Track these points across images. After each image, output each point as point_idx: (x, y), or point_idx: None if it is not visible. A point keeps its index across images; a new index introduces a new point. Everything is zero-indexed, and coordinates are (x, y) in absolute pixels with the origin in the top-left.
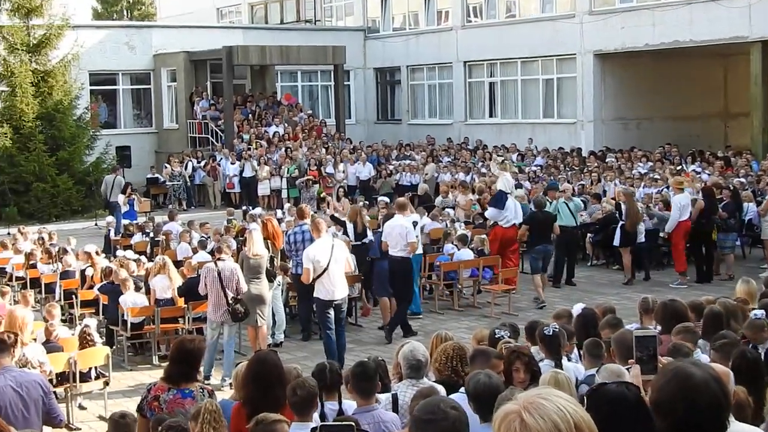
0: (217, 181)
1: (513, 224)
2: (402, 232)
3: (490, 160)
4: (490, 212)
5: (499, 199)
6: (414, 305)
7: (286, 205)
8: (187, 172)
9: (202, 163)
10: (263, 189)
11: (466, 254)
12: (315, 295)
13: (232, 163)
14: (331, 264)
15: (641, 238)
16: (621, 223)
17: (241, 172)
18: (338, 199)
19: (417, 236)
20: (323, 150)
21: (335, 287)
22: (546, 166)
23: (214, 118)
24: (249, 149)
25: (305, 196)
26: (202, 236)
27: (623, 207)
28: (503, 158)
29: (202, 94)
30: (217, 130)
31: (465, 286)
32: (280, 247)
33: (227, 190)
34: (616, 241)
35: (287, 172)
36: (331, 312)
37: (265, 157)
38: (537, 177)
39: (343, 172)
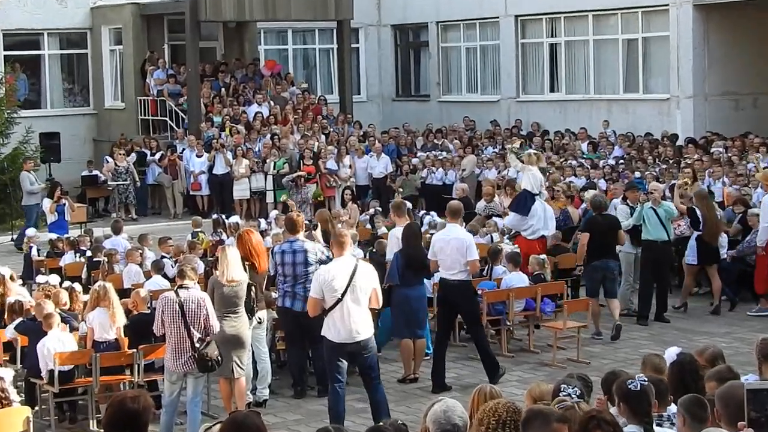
0: (178, 181)
1: (541, 236)
2: (460, 246)
3: (505, 146)
4: (510, 219)
5: (522, 202)
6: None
7: (273, 213)
8: (137, 167)
9: (158, 156)
10: (241, 191)
11: (519, 279)
12: (323, 333)
13: (199, 156)
14: (349, 293)
15: (723, 252)
16: (697, 234)
17: (211, 167)
18: (343, 203)
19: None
20: (322, 137)
21: (354, 325)
22: (627, 159)
23: (174, 94)
24: (221, 137)
25: (296, 199)
26: (160, 256)
27: (698, 213)
28: (521, 145)
29: (158, 62)
30: (179, 111)
31: (517, 323)
32: (263, 271)
33: (192, 193)
34: (692, 258)
35: (273, 168)
36: (344, 360)
37: (243, 147)
38: (617, 173)
39: (350, 167)
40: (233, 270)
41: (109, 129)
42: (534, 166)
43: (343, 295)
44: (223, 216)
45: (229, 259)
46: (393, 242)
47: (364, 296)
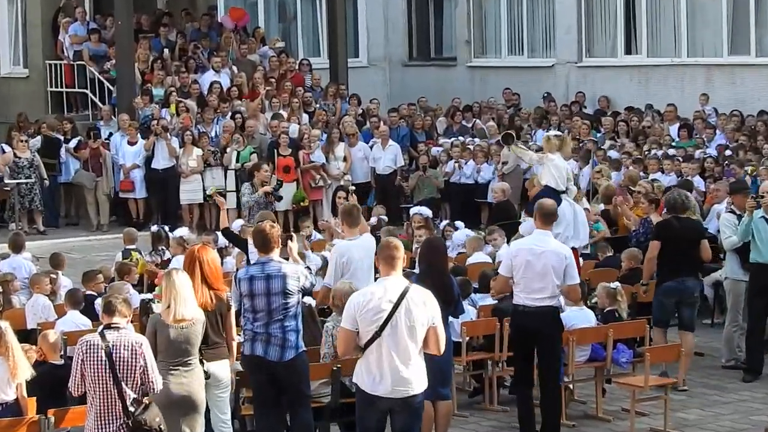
0: (103, 179)
1: (572, 248)
2: (558, 264)
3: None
4: (528, 227)
5: None
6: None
7: (236, 223)
8: (45, 160)
9: (74, 144)
10: (191, 192)
11: (582, 317)
12: (355, 380)
13: (132, 143)
14: (391, 327)
15: None
16: None
17: (149, 160)
18: (335, 210)
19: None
20: (305, 118)
21: (397, 372)
22: (734, 148)
23: (97, 56)
24: (164, 116)
25: (255, 202)
26: (84, 291)
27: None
28: (508, 137)
29: (75, 12)
30: (104, 81)
31: (580, 379)
32: (215, 305)
33: (122, 195)
34: None
35: (237, 161)
36: (381, 420)
37: (194, 131)
38: (719, 167)
39: (345, 159)
40: (184, 304)
41: (6, 106)
42: (556, 154)
43: (382, 328)
44: (166, 228)
45: (177, 288)
46: (336, 263)
47: (416, 333)
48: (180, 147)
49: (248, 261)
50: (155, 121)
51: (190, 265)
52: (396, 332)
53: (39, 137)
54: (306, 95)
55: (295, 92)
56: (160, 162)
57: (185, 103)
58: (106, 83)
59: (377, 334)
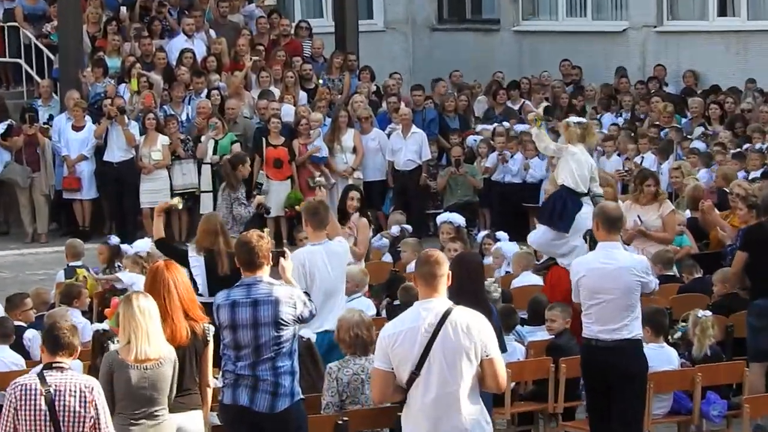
0: (41, 174)
1: None
2: (628, 283)
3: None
4: (539, 236)
5: (557, 209)
6: None
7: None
8: None
9: (2, 129)
10: (154, 192)
11: (664, 357)
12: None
13: (78, 128)
14: (430, 365)
15: None
16: None
17: (101, 150)
18: (342, 216)
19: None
20: (303, 96)
21: (444, 420)
22: None
23: (34, 17)
24: (120, 93)
25: (240, 211)
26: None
27: None
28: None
29: None
30: (42, 47)
31: None
32: (189, 339)
33: (66, 195)
34: None
35: (214, 152)
36: None
37: (158, 113)
38: None
39: (354, 151)
40: (147, 339)
41: None
42: (578, 146)
43: (419, 365)
44: (118, 241)
45: (138, 318)
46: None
47: (463, 369)
48: (141, 134)
49: (191, 278)
50: (108, 100)
51: (155, 288)
52: (438, 369)
53: None
54: (304, 68)
55: (291, 64)
56: (115, 153)
57: (148, 77)
58: (46, 51)
59: (415, 373)
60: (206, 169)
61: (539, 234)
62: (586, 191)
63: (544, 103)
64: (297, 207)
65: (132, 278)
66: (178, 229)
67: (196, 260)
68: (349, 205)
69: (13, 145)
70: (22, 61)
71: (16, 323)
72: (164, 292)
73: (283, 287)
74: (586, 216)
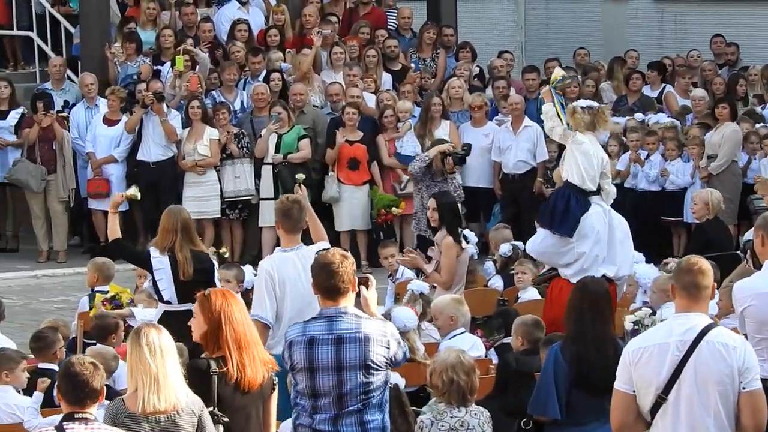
0: (58, 176)
1: (605, 278)
2: None
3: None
4: (539, 243)
5: (560, 209)
6: None
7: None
8: None
9: (12, 120)
10: (199, 199)
11: None
12: None
13: (111, 122)
14: (679, 390)
15: None
16: None
17: (135, 147)
18: (431, 226)
19: None
20: (386, 79)
21: None
22: None
23: None
24: (160, 78)
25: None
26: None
27: None
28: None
29: None
30: (59, 18)
31: None
32: (259, 383)
33: (91, 203)
34: None
35: (278, 149)
36: None
37: (202, 101)
38: None
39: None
40: (156, 386)
41: None
42: (587, 135)
43: (667, 390)
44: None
45: (147, 360)
46: (264, 285)
47: (717, 399)
48: (184, 127)
49: (157, 292)
50: (143, 84)
51: (203, 317)
52: (687, 396)
53: None
54: (389, 44)
55: (374, 39)
56: (152, 151)
57: (192, 54)
58: (64, 21)
59: (662, 397)
60: (266, 171)
61: (539, 240)
62: (594, 189)
63: (695, 91)
64: (395, 210)
65: (149, 315)
66: (230, 247)
67: (160, 261)
68: (431, 219)
69: (25, 139)
70: (34, 35)
71: (43, 366)
72: (221, 330)
73: (373, 321)
74: (595, 219)
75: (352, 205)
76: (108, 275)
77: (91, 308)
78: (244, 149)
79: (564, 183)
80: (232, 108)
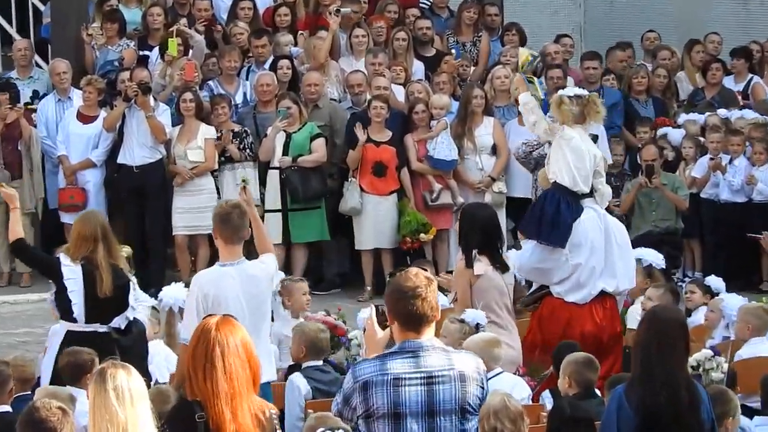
0: (24, 182)
1: (603, 294)
2: None
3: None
4: (527, 256)
5: (547, 217)
6: None
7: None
8: None
9: None
10: (192, 211)
11: None
12: None
13: (87, 119)
14: None
15: None
16: None
17: (115, 148)
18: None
19: None
20: (417, 67)
21: None
22: None
23: None
24: (147, 66)
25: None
26: None
27: None
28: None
29: None
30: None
31: None
32: None
33: (62, 215)
34: None
35: (285, 150)
36: None
37: (197, 93)
38: None
39: (495, 151)
40: None
41: None
42: (576, 128)
43: None
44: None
45: (113, 407)
46: (195, 303)
47: None
48: (174, 124)
49: (61, 306)
50: (125, 73)
51: (198, 358)
52: None
53: None
54: (421, 25)
55: (403, 19)
56: (135, 153)
57: (186, 35)
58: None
59: None
60: (273, 177)
61: (527, 255)
62: (587, 191)
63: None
64: (422, 235)
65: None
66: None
67: (72, 270)
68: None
69: None
70: None
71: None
72: (216, 363)
73: (465, 356)
74: (589, 225)
75: (376, 219)
76: None
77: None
78: (247, 151)
79: (552, 185)
80: (232, 101)
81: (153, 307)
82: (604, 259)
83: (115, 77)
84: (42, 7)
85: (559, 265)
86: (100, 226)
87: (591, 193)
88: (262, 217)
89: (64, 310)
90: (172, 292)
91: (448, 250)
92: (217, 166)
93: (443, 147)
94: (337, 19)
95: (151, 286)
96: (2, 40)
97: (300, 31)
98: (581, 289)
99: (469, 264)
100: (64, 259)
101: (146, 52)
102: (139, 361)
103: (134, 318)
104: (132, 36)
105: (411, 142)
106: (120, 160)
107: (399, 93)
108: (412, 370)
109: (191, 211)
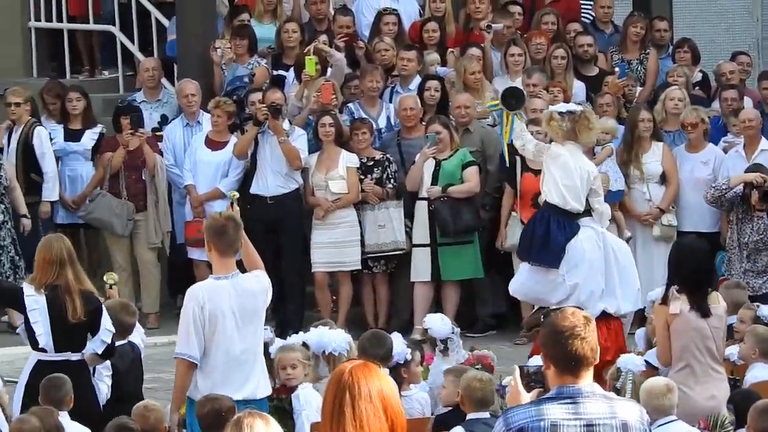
0: (149, 214)
1: (604, 314)
2: None
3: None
4: (518, 281)
5: (536, 235)
6: None
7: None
8: (24, 169)
9: (88, 142)
10: (333, 246)
11: None
12: None
13: (216, 145)
14: None
15: None
16: None
17: (247, 177)
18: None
19: None
20: (580, 87)
21: None
22: None
23: None
24: (277, 85)
25: None
26: None
27: None
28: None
29: None
30: (149, 7)
31: None
32: None
33: (191, 251)
34: None
35: (431, 181)
36: None
37: (337, 117)
38: None
39: (663, 180)
40: None
41: None
42: (567, 145)
43: None
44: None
45: None
46: (192, 317)
47: None
48: (312, 150)
49: (30, 337)
50: (256, 94)
51: (333, 409)
52: None
53: (7, 127)
54: (581, 42)
55: (563, 35)
56: (269, 182)
57: (325, 53)
58: (155, 12)
59: None
60: (421, 209)
61: (522, 278)
62: (581, 209)
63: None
64: None
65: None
66: (374, 308)
67: (35, 300)
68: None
69: (106, 166)
70: (116, 29)
71: None
72: (340, 412)
73: (627, 404)
74: (587, 244)
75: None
76: None
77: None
78: (391, 181)
79: (543, 204)
80: (374, 126)
81: (304, 346)
82: (604, 279)
83: (244, 96)
84: (166, 23)
85: (555, 286)
86: (66, 249)
87: (588, 212)
88: (409, 253)
89: (31, 341)
90: (318, 337)
91: None
92: (359, 198)
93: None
94: (489, 36)
95: (289, 328)
96: (123, 58)
97: (450, 49)
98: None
99: (665, 301)
100: (27, 289)
101: (281, 72)
102: (137, 385)
103: (130, 341)
104: (265, 54)
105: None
106: (252, 190)
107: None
108: (571, 417)
109: (332, 246)
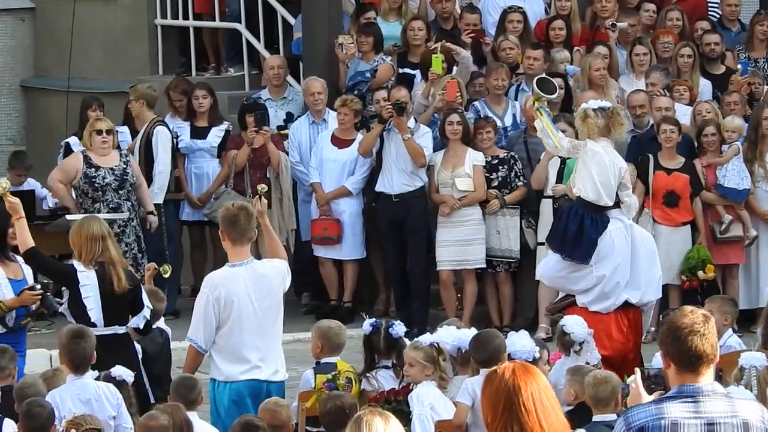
0: (275, 212)
1: (627, 304)
2: None
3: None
4: (550, 268)
5: (572, 230)
6: None
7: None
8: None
9: (213, 140)
10: (459, 244)
11: None
12: None
13: (343, 143)
14: None
15: None
16: None
17: (373, 174)
18: None
19: None
20: (707, 86)
21: None
22: None
23: None
24: (403, 83)
25: None
26: None
27: None
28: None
29: None
30: (275, 5)
31: None
32: None
33: (315, 249)
34: None
35: (555, 179)
36: None
37: (462, 115)
38: None
39: None
40: None
41: (69, 59)
42: (601, 141)
43: None
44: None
45: None
46: (206, 304)
47: None
48: (437, 148)
49: (78, 314)
50: (382, 92)
51: (496, 411)
52: None
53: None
54: (708, 40)
55: (690, 33)
56: (394, 180)
57: (452, 51)
58: (281, 10)
59: None
60: (546, 207)
61: (550, 264)
62: (611, 203)
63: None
64: (701, 274)
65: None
66: (498, 307)
67: (87, 276)
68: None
69: (232, 164)
70: (242, 27)
71: None
72: (505, 415)
73: (749, 404)
74: (616, 236)
75: (668, 252)
76: (335, 344)
77: (315, 386)
78: (519, 178)
79: (576, 200)
80: (500, 124)
81: (415, 348)
82: (629, 270)
83: (366, 92)
84: (292, 21)
85: (582, 275)
86: (104, 226)
87: (617, 204)
88: (535, 249)
89: (81, 317)
90: (445, 335)
91: (738, 287)
92: (485, 197)
93: (734, 174)
94: (614, 35)
95: (414, 326)
96: (248, 56)
97: (576, 47)
98: (606, 300)
99: None
100: (78, 266)
101: (406, 70)
102: (166, 367)
103: (159, 327)
104: (391, 52)
105: (699, 168)
106: (378, 188)
107: (683, 114)
108: (691, 415)
109: (457, 244)
